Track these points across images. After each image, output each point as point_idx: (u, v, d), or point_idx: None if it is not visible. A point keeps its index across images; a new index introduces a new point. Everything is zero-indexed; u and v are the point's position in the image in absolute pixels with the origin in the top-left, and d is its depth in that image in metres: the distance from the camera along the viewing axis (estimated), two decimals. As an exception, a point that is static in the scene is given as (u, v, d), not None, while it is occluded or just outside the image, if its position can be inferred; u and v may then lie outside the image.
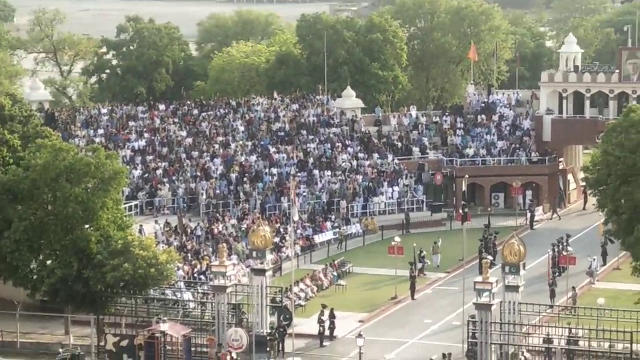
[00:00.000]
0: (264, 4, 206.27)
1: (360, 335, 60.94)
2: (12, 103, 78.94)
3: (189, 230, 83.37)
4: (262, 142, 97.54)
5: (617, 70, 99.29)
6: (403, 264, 75.80)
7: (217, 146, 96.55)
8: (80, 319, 68.38)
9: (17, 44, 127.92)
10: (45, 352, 64.45)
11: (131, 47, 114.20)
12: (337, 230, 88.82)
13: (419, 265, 79.61)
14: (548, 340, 63.19)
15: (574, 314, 66.26)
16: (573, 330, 63.34)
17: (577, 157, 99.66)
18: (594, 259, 78.62)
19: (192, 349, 64.60)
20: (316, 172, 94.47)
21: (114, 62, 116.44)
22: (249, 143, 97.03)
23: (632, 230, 63.76)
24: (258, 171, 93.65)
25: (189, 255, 78.10)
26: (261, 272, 67.20)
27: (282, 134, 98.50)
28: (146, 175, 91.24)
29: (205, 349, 64.86)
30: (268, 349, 65.40)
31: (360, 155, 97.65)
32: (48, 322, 69.83)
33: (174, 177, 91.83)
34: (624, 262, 76.36)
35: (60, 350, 59.40)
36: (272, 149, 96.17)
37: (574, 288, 72.12)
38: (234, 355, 62.69)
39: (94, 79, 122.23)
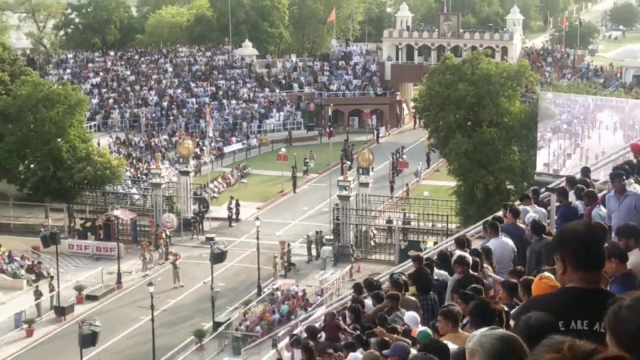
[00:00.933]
0: None
1: (257, 218, 61.12)
2: (2, 50, 77.99)
3: (133, 143, 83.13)
4: (185, 79, 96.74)
5: (437, 29, 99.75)
6: (287, 168, 76.15)
7: (152, 82, 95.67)
8: (56, 207, 68.63)
9: (5, 6, 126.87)
10: (31, 231, 64.26)
11: (89, 9, 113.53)
12: (244, 142, 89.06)
13: (304, 168, 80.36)
14: (389, 221, 64.96)
15: (407, 203, 68.48)
16: (406, 214, 64.81)
17: (409, 92, 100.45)
18: (420, 164, 79.54)
19: (137, 228, 65.46)
20: (225, 101, 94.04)
21: (77, 20, 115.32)
22: (176, 80, 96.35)
23: (447, 143, 64.95)
24: (182, 100, 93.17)
25: (134, 161, 77.98)
26: (186, 173, 68.64)
27: (200, 73, 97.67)
28: (101, 103, 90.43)
29: (146, 228, 65.46)
30: (192, 228, 66.25)
31: (256, 89, 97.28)
32: (32, 210, 69.85)
33: (122, 105, 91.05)
34: (442, 166, 77.12)
35: (42, 229, 59.27)
36: (192, 85, 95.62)
37: (407, 184, 73.05)
38: (167, 232, 63.68)
39: (62, 32, 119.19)
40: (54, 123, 67.57)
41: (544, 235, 13.87)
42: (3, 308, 52.85)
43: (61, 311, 52.08)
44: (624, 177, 14.33)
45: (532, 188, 23.56)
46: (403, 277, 16.44)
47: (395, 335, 13.00)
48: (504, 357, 4.74)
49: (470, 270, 13.93)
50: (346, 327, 16.63)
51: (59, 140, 68.10)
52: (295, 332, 26.04)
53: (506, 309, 9.15)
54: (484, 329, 5.15)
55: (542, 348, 3.72)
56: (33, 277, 57.33)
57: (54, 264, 54.51)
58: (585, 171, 20.41)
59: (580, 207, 16.26)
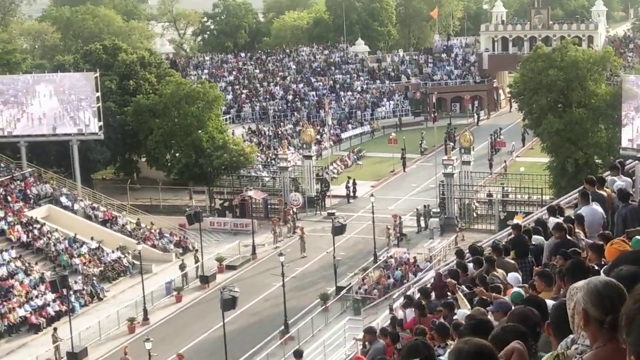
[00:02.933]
0: None
1: (372, 195, 60.76)
2: (150, 54, 79.70)
3: (262, 132, 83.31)
4: (306, 75, 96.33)
5: (529, 22, 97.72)
6: (397, 150, 75.58)
7: (278, 79, 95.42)
8: (198, 189, 69.41)
9: (150, 17, 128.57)
10: (177, 211, 65.26)
11: (222, 17, 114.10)
12: (371, 125, 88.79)
13: (420, 149, 79.96)
14: (489, 194, 64.03)
15: (505, 178, 67.59)
16: (505, 188, 63.89)
17: (505, 79, 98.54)
18: (513, 143, 78.46)
19: (268, 206, 65.44)
20: (341, 93, 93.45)
21: (212, 27, 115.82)
22: (298, 76, 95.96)
23: (540, 123, 63.94)
24: (305, 94, 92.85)
25: (264, 148, 78.22)
26: (309, 157, 68.32)
27: (319, 69, 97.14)
28: (235, 98, 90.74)
29: (276, 206, 65.45)
30: (315, 205, 66.13)
31: (368, 81, 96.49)
32: (178, 192, 70.79)
33: (252, 99, 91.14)
34: (535, 144, 75.52)
35: (187, 209, 60.24)
36: (313, 79, 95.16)
37: (504, 161, 72.00)
38: (294, 209, 63.81)
39: (199, 38, 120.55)
40: (195, 117, 68.29)
41: (630, 202, 13.54)
42: (155, 278, 53.93)
43: (205, 279, 52.99)
44: None
45: (618, 160, 22.86)
46: (502, 243, 16.30)
47: (494, 294, 12.94)
48: (604, 296, 4.63)
49: (568, 235, 13.73)
50: (454, 285, 16.47)
51: (199, 131, 68.62)
52: (408, 293, 25.98)
53: (597, 268, 8.88)
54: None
55: (633, 293, 3.55)
56: (180, 250, 58.37)
57: (198, 238, 55.33)
58: None
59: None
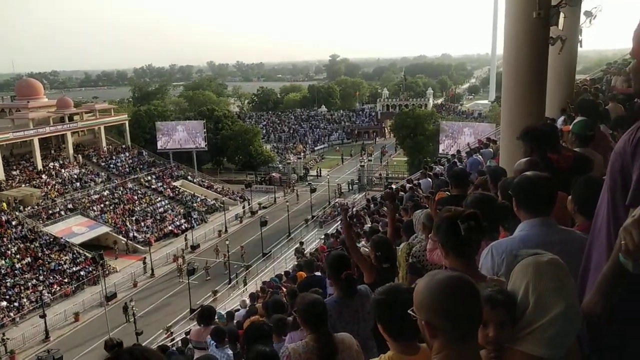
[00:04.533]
0: (298, 82, 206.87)
1: (328, 175, 65.84)
2: (228, 112, 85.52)
3: (279, 147, 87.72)
4: (298, 121, 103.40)
5: (398, 97, 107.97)
6: (339, 154, 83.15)
7: (285, 123, 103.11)
8: (250, 173, 71.27)
9: (228, 95, 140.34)
10: (241, 182, 67.42)
11: (261, 95, 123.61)
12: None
13: (350, 154, 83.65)
14: (379, 175, 68.08)
15: (387, 166, 73.37)
16: (388, 172, 68.28)
17: (387, 122, 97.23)
18: (391, 152, 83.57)
19: (282, 180, 68.24)
20: (314, 129, 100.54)
21: (256, 99, 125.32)
22: (295, 122, 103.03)
23: (403, 142, 69.94)
24: (297, 130, 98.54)
25: (279, 154, 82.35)
26: (299, 158, 72.92)
27: (304, 119, 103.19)
28: (266, 131, 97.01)
29: (285, 180, 68.78)
30: (302, 180, 69.07)
31: (326, 124, 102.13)
32: (241, 174, 71.98)
33: (274, 132, 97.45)
34: (400, 152, 78.93)
35: (245, 181, 64.69)
36: (302, 124, 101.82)
37: (387, 159, 78.69)
38: (293, 182, 67.66)
39: (251, 104, 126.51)
40: (248, 140, 73.99)
41: (441, 177, 14.66)
42: (230, 213, 56.63)
43: (253, 213, 58.28)
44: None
45: (437, 158, 25.61)
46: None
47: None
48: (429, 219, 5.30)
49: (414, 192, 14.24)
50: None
51: (250, 147, 74.20)
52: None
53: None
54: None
55: (442, 215, 3.61)
56: (242, 200, 62.20)
57: (250, 195, 61.21)
58: (458, 152, 22.17)
59: (459, 165, 16.49)
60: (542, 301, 2.81)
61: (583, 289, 3.12)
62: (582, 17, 12.88)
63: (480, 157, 14.88)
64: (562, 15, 9.52)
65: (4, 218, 47.05)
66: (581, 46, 13.55)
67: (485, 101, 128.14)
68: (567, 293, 2.81)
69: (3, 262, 42.24)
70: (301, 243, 41.16)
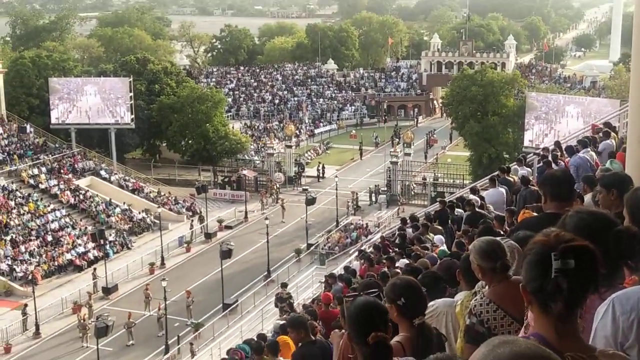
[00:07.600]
0: (289, 18, 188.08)
1: (336, 177, 60.41)
2: (171, 66, 78.37)
3: (255, 127, 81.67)
4: (289, 85, 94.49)
5: (457, 51, 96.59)
6: (356, 143, 74.57)
7: (267, 87, 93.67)
8: (205, 168, 67.93)
9: (172, 37, 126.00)
10: (189, 184, 64.01)
11: (227, 39, 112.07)
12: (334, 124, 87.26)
13: (374, 142, 77.75)
14: (424, 178, 62.10)
15: (436, 166, 65.63)
16: (435, 174, 61.99)
17: (438, 92, 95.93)
18: (446, 140, 76.80)
19: (258, 182, 64.44)
20: (315, 99, 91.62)
21: (219, 46, 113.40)
22: (283, 85, 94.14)
23: (463, 127, 64.32)
24: (287, 99, 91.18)
25: (256, 138, 76.65)
26: (289, 146, 67.23)
27: (299, 81, 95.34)
28: (234, 100, 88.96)
29: (264, 182, 64.44)
30: (293, 182, 64.94)
31: (336, 91, 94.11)
32: (190, 170, 69.37)
33: (247, 102, 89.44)
34: (460, 142, 74.57)
35: (196, 182, 59.38)
36: (294, 88, 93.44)
37: (437, 154, 70.96)
38: (277, 185, 62.76)
39: (209, 54, 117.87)
40: (204, 114, 67.65)
41: (529, 186, 13.65)
42: (170, 234, 53.44)
43: (208, 236, 52.98)
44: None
45: (521, 155, 22.93)
46: (432, 214, 16.35)
47: (427, 252, 12.91)
48: (486, 250, 4.84)
49: (477, 209, 13.73)
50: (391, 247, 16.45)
51: (207, 125, 68.02)
52: (361, 249, 25.95)
53: (501, 232, 8.91)
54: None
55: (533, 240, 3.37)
56: (190, 213, 58.08)
57: (204, 205, 55.30)
58: (557, 144, 19.85)
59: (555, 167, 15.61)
60: None
61: None
62: None
63: (594, 154, 13.79)
64: None
65: None
66: None
67: (604, 61, 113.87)
68: None
69: None
70: (284, 285, 34.26)
